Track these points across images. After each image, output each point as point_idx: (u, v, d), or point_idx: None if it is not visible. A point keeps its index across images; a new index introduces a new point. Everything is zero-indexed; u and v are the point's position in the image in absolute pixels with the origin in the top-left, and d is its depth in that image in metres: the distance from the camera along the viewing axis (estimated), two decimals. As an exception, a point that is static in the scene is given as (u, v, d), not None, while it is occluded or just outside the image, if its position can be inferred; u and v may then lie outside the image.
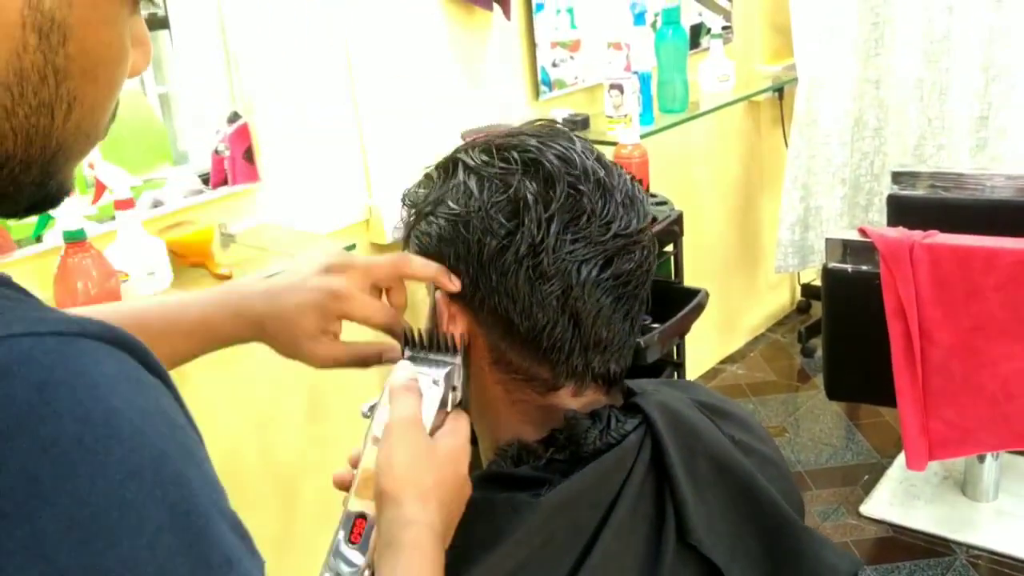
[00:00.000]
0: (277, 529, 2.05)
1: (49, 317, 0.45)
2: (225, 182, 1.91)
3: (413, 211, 0.84)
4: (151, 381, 0.47)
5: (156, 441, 0.44)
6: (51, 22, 0.49)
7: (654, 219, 1.92)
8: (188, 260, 1.76)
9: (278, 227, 1.95)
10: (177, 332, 0.85)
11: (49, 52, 0.49)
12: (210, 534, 0.44)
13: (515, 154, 0.79)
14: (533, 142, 0.80)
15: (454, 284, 0.80)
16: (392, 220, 2.11)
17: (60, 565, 0.40)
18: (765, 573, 0.82)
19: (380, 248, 2.17)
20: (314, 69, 2.00)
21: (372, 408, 0.77)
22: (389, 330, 0.87)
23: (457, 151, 0.84)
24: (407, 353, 0.80)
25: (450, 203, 0.80)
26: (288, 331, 0.84)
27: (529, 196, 0.77)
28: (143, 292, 1.65)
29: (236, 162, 1.91)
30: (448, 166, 0.83)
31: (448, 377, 0.78)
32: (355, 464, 0.76)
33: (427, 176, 0.85)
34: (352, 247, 1.89)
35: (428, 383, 0.77)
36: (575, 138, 0.82)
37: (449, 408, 0.78)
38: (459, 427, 0.77)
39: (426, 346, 0.80)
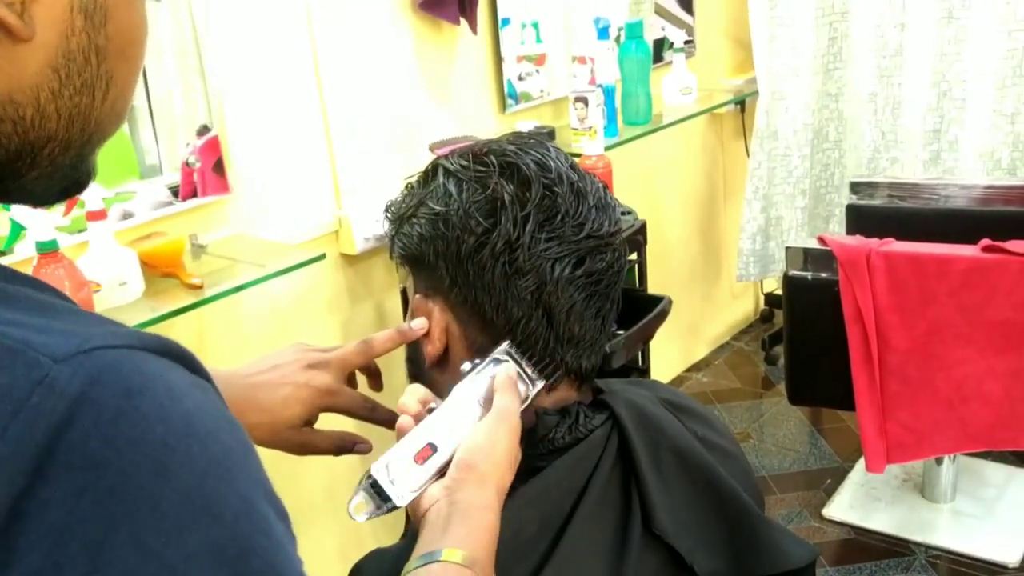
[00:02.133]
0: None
1: (118, 331, 0.49)
2: (195, 194, 1.93)
3: (395, 219, 0.88)
4: (205, 385, 0.51)
5: (224, 438, 0.48)
6: (95, 3, 0.52)
7: (619, 228, 1.96)
8: (160, 271, 1.77)
9: (249, 238, 1.97)
10: None
11: (93, 33, 0.52)
12: (272, 522, 0.49)
13: (493, 158, 0.83)
14: (511, 148, 0.84)
15: (417, 330, 0.86)
16: (361, 231, 2.14)
17: (156, 551, 0.44)
18: (726, 560, 0.86)
19: (350, 258, 2.19)
20: (283, 82, 2.02)
21: (474, 367, 0.83)
22: (368, 419, 0.94)
23: (437, 159, 0.87)
24: (505, 347, 0.84)
25: (430, 204, 0.83)
26: (270, 422, 0.91)
27: (506, 196, 0.80)
28: (116, 302, 1.66)
29: (206, 174, 1.93)
30: (428, 172, 0.87)
31: (534, 391, 0.84)
32: (424, 401, 0.82)
33: (408, 186, 0.89)
34: (322, 257, 1.91)
35: (523, 389, 0.84)
36: (551, 146, 0.86)
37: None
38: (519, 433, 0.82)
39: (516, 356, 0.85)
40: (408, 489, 0.76)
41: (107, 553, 0.43)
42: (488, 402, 0.80)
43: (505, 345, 0.83)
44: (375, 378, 0.98)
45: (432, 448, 0.78)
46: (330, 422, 0.97)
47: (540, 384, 0.84)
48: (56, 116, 0.53)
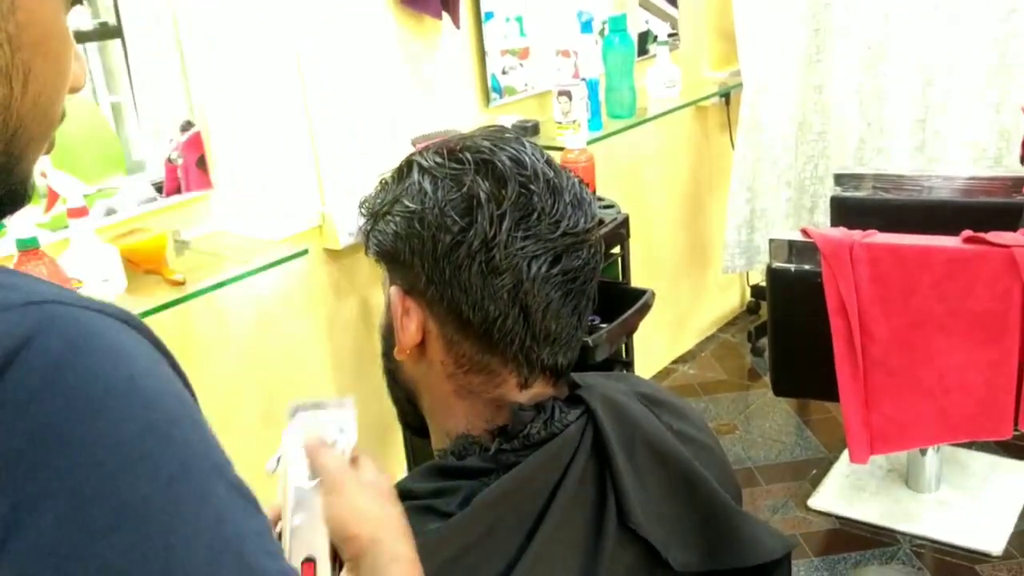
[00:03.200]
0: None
1: (76, 295, 0.49)
2: (179, 190, 1.93)
3: (370, 216, 0.88)
4: (157, 356, 0.51)
5: (168, 405, 0.48)
6: None
7: (601, 221, 1.97)
8: (142, 267, 1.77)
9: (232, 234, 1.96)
10: None
11: (0, 20, 0.52)
12: (215, 493, 0.47)
13: (468, 155, 0.83)
14: (486, 144, 0.83)
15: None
16: (345, 226, 2.14)
17: (85, 496, 0.44)
18: (701, 554, 0.87)
19: (333, 253, 2.20)
20: (266, 78, 2.02)
21: (277, 461, 0.76)
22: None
23: (412, 155, 0.87)
24: (294, 406, 0.78)
25: (406, 202, 0.83)
26: None
27: (482, 194, 0.80)
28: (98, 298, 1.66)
29: (189, 170, 1.93)
30: (403, 169, 0.86)
31: (353, 420, 0.77)
32: (276, 518, 0.74)
33: (382, 182, 0.88)
34: (305, 252, 1.91)
35: (335, 430, 0.76)
36: (526, 142, 0.86)
37: (350, 451, 0.77)
38: (376, 464, 0.78)
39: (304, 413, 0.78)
40: None
41: (36, 486, 0.43)
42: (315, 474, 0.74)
43: (295, 416, 0.77)
44: None
45: (311, 560, 0.71)
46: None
47: (351, 410, 0.77)
48: None
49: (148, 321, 1.49)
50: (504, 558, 0.79)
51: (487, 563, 0.78)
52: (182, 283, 1.74)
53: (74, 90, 0.59)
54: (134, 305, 1.68)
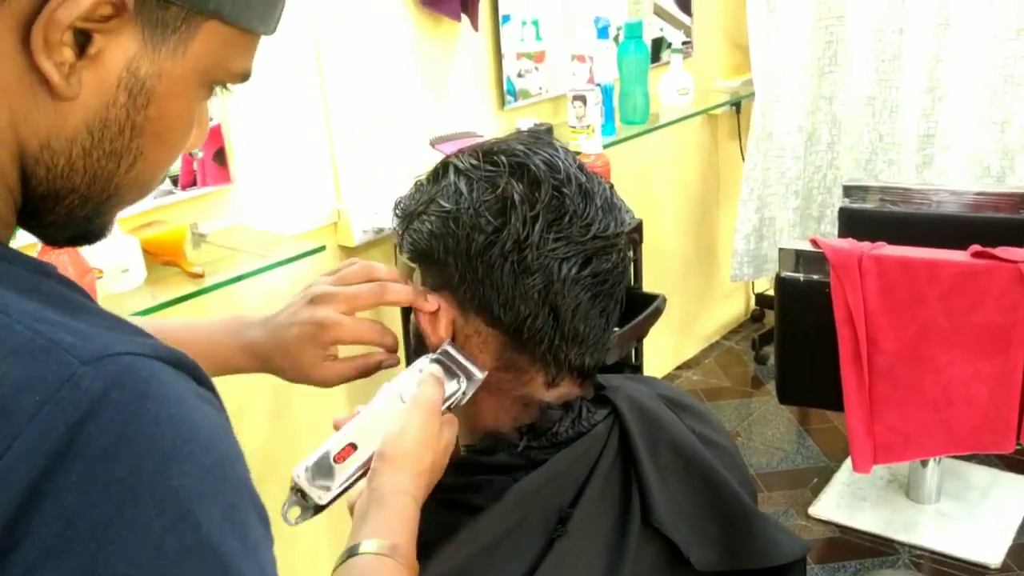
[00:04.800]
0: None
1: (138, 340, 0.54)
2: (195, 183, 1.95)
3: (405, 216, 0.90)
4: (208, 396, 0.56)
5: (221, 446, 0.53)
6: (141, 87, 0.57)
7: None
8: (161, 259, 1.79)
9: (249, 228, 1.98)
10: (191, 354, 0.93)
11: (132, 111, 0.58)
12: (248, 523, 0.53)
13: (503, 158, 0.85)
14: (520, 148, 0.85)
15: (430, 305, 0.87)
16: (360, 223, 2.16)
17: (155, 539, 0.49)
18: (721, 552, 0.89)
19: (348, 251, 2.21)
20: (286, 74, 2.04)
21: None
22: (381, 343, 0.96)
23: (447, 158, 0.89)
24: (444, 347, 0.86)
25: (441, 202, 0.85)
26: (294, 363, 0.94)
27: (516, 196, 0.82)
28: (117, 289, 1.68)
29: (207, 164, 1.95)
30: (439, 170, 0.88)
31: (471, 385, 0.86)
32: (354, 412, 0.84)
33: (417, 184, 0.90)
34: (321, 249, 1.93)
35: (453, 385, 0.86)
36: (559, 147, 0.88)
37: (454, 407, 0.86)
38: (455, 426, 0.86)
39: (455, 354, 0.87)
40: (328, 489, 0.79)
41: (112, 534, 0.48)
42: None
43: (445, 346, 0.86)
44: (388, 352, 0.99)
45: (353, 447, 0.80)
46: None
47: (480, 375, 0.86)
48: (83, 171, 0.58)
49: (166, 313, 1.51)
50: (532, 552, 0.81)
51: (515, 557, 0.80)
52: (201, 276, 1.76)
53: (187, 150, 0.66)
54: (152, 296, 1.70)
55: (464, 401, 0.86)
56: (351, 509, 0.80)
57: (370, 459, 0.80)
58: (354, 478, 0.80)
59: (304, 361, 0.93)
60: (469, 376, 0.86)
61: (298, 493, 0.79)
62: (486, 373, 0.86)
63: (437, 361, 0.86)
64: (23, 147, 0.57)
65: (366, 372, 0.96)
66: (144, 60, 0.57)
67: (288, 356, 0.94)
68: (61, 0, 0.53)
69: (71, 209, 0.60)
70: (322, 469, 0.79)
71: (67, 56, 0.54)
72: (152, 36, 0.56)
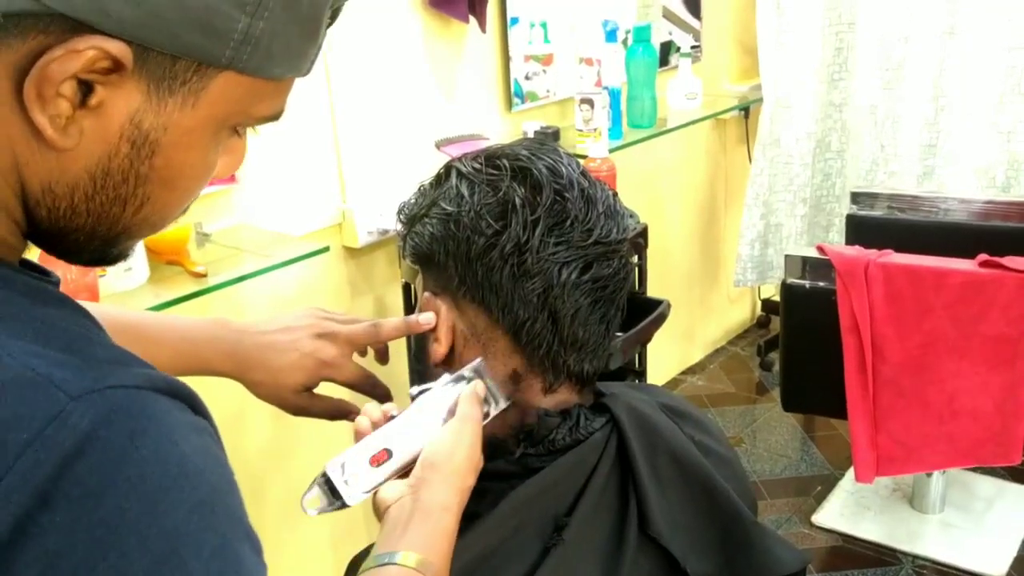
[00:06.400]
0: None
1: (130, 371, 0.53)
2: (201, 182, 1.94)
3: (408, 220, 0.90)
4: (202, 425, 0.55)
5: (212, 479, 0.53)
6: (144, 139, 0.55)
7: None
8: (164, 258, 1.79)
9: (253, 228, 1.98)
10: (167, 352, 0.93)
11: (136, 161, 0.56)
12: (241, 555, 0.53)
13: (505, 162, 0.84)
14: (524, 152, 0.85)
15: (421, 325, 0.88)
16: (364, 225, 2.15)
17: None
18: (719, 564, 0.88)
19: (352, 251, 2.21)
20: (293, 74, 2.03)
21: (421, 392, 0.86)
22: (371, 394, 0.98)
23: (451, 162, 0.89)
24: (477, 367, 0.86)
25: (443, 204, 0.85)
26: (273, 382, 0.96)
27: (517, 199, 0.82)
28: (120, 287, 1.67)
29: (213, 163, 1.94)
30: (441, 174, 0.88)
31: (494, 412, 0.86)
32: (386, 412, 0.85)
33: (421, 188, 0.90)
34: (325, 249, 1.93)
35: (493, 400, 0.86)
36: (563, 152, 0.87)
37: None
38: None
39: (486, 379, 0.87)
40: (360, 490, 0.79)
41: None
42: (451, 413, 0.82)
43: (476, 362, 0.86)
44: (382, 353, 1.01)
45: (388, 453, 0.80)
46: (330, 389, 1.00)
47: (504, 404, 0.86)
48: (86, 214, 0.57)
49: (170, 312, 1.51)
50: (528, 560, 0.80)
51: (511, 565, 0.80)
52: (204, 275, 1.75)
53: (217, 178, 0.63)
54: (155, 295, 1.69)
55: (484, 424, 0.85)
56: (380, 509, 0.78)
57: (403, 467, 0.80)
58: (387, 481, 0.80)
59: (286, 385, 0.95)
60: (494, 402, 0.86)
61: (326, 487, 0.79)
62: (509, 402, 0.86)
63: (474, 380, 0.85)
64: (25, 187, 0.56)
65: (334, 417, 0.98)
66: (149, 112, 0.55)
67: (271, 375, 0.95)
68: (55, 56, 0.51)
69: (78, 243, 0.59)
70: (356, 469, 0.79)
71: (63, 109, 0.53)
72: (158, 89, 0.54)
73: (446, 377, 0.85)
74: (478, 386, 0.84)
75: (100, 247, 0.60)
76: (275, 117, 0.62)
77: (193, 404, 0.55)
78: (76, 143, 0.54)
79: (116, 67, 0.52)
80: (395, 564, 0.72)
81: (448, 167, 0.88)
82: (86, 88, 0.53)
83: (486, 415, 0.84)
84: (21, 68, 0.52)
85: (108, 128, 0.54)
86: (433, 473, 0.78)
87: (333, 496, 0.79)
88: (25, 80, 0.51)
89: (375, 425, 0.83)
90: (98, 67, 0.52)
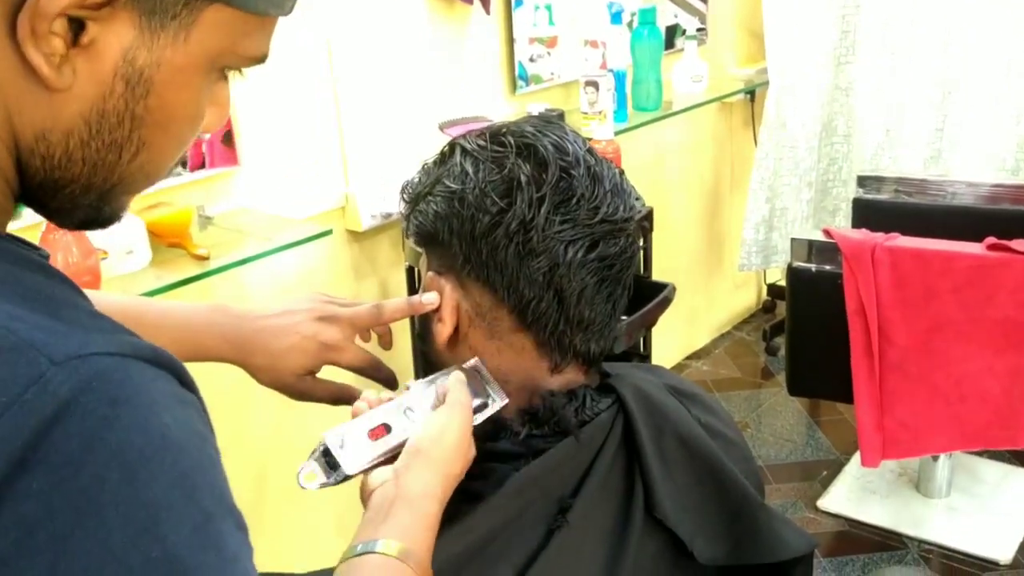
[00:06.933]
0: (245, 510, 2.06)
1: (114, 338, 0.51)
2: (203, 165, 1.93)
3: (411, 199, 0.88)
4: (188, 398, 0.54)
5: (193, 453, 0.51)
6: (139, 76, 0.55)
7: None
8: (166, 240, 1.78)
9: (255, 211, 1.97)
10: (166, 338, 0.92)
11: (131, 101, 0.55)
12: (225, 533, 0.51)
13: (511, 139, 0.83)
14: (529, 129, 0.84)
15: (424, 305, 0.86)
16: (368, 208, 2.14)
17: (117, 552, 0.47)
18: (726, 547, 0.87)
19: (355, 235, 2.20)
20: (295, 56, 2.02)
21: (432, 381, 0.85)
22: (374, 377, 0.97)
23: (455, 139, 0.88)
24: (475, 363, 0.86)
25: (447, 182, 0.84)
26: (274, 367, 0.94)
27: (522, 177, 0.80)
28: (122, 270, 1.66)
29: (215, 145, 1.93)
30: (446, 152, 0.87)
31: (491, 409, 0.85)
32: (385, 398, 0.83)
33: (424, 166, 0.89)
34: (328, 232, 1.91)
35: (476, 401, 0.85)
36: (569, 129, 0.86)
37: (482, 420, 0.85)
38: (473, 443, 0.83)
39: (484, 373, 0.86)
40: (359, 460, 0.78)
41: (71, 546, 0.46)
42: (442, 401, 0.82)
43: (474, 361, 0.85)
44: (385, 336, 1.00)
45: (386, 428, 0.80)
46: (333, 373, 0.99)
47: (502, 402, 0.85)
48: (81, 163, 0.56)
49: (171, 295, 1.50)
50: (533, 541, 0.80)
51: (516, 546, 0.79)
52: (206, 258, 1.74)
53: (203, 132, 0.62)
54: (157, 278, 1.68)
55: (479, 422, 0.84)
56: (365, 496, 0.77)
57: (399, 446, 0.79)
58: (383, 459, 0.79)
59: (288, 369, 0.94)
60: (491, 399, 0.85)
61: (323, 459, 0.78)
62: (507, 401, 0.85)
63: (464, 371, 0.85)
64: (18, 137, 0.55)
65: (337, 402, 0.97)
66: (142, 48, 0.54)
67: (272, 359, 0.94)
68: None
69: (73, 197, 0.58)
70: (355, 440, 0.79)
71: (57, 46, 0.52)
72: (149, 23, 0.54)
73: (446, 370, 0.85)
74: (461, 375, 0.83)
75: (95, 202, 0.59)
76: (261, 59, 0.62)
77: (180, 376, 0.54)
78: (70, 83, 0.54)
79: (107, 0, 0.52)
80: (375, 553, 0.71)
81: (452, 144, 0.86)
82: (78, 26, 0.53)
83: (483, 408, 0.83)
84: (13, 6, 0.52)
85: (102, 68, 0.54)
86: (417, 459, 0.77)
87: (331, 468, 0.78)
88: (18, 16, 0.51)
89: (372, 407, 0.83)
90: (90, 1, 0.52)
